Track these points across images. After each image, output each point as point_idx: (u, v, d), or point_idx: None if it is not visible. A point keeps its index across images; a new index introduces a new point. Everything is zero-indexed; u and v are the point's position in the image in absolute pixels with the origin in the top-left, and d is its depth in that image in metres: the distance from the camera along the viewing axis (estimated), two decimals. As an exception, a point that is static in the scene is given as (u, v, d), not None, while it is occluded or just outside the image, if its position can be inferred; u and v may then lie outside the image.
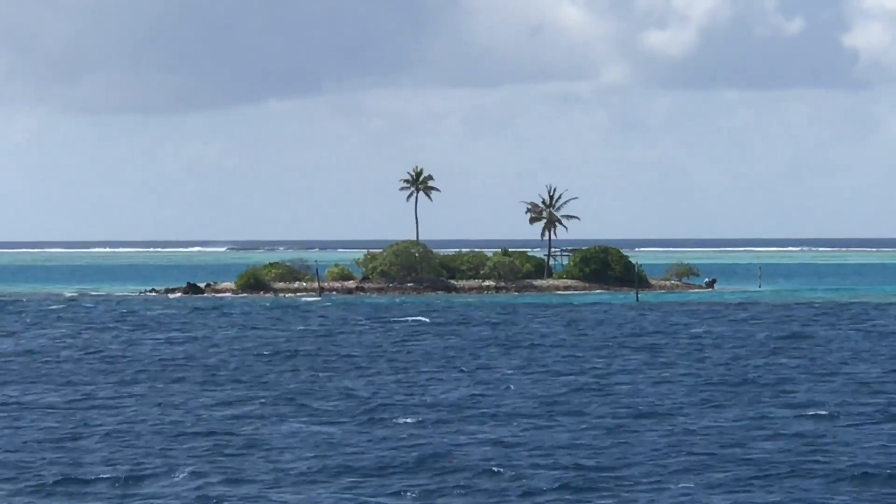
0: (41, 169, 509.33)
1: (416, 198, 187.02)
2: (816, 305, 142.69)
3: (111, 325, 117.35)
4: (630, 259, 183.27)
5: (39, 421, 57.38)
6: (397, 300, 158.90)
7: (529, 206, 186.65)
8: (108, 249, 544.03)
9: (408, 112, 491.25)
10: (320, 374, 75.37)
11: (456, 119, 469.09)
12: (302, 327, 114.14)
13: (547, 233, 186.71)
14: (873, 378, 72.62)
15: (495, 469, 45.47)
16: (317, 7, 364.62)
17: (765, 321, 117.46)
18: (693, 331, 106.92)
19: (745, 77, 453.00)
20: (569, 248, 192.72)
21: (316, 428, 55.33)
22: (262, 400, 63.61)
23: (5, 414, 58.58)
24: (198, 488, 43.52)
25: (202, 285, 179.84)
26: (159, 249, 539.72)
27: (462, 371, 77.49)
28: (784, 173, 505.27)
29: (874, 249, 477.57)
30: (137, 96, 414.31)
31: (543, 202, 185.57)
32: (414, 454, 48.24)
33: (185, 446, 50.83)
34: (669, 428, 54.98)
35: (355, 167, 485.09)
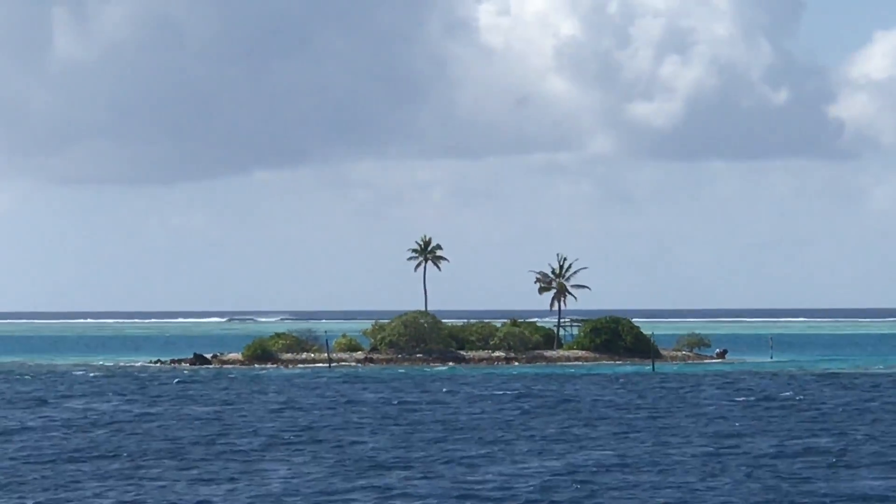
0: (25, 239, 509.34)
1: (425, 268, 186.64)
2: (840, 375, 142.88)
3: (148, 398, 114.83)
4: (641, 330, 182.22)
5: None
6: (427, 370, 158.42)
7: (539, 276, 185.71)
8: (93, 321, 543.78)
9: (394, 183, 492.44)
10: (399, 448, 73.47)
11: (442, 190, 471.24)
12: (348, 399, 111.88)
13: (556, 303, 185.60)
14: None
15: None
16: (302, 78, 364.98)
17: (807, 392, 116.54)
18: (736, 401, 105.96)
19: (731, 147, 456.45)
20: (578, 318, 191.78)
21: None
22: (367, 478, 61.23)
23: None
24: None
25: (209, 356, 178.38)
26: (153, 320, 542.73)
27: (559, 443, 75.86)
28: (770, 243, 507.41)
29: (867, 320, 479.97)
30: (122, 167, 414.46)
31: (553, 272, 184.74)
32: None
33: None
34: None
35: (342, 237, 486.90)
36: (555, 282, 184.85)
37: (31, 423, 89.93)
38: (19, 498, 56.59)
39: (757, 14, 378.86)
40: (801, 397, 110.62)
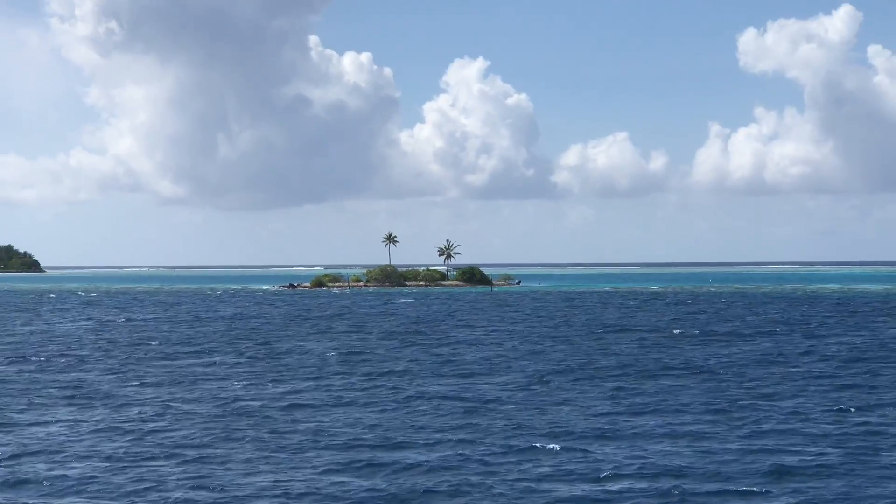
0: (206, 235, 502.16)
1: (389, 246, 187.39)
2: (568, 292, 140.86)
3: (279, 301, 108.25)
4: (483, 272, 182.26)
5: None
6: (392, 291, 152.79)
7: (439, 249, 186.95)
8: (242, 267, 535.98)
9: (364, 210, 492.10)
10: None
11: (386, 214, 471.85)
12: (369, 304, 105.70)
13: (447, 260, 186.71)
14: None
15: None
16: (325, 164, 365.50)
17: (554, 296, 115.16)
18: (535, 303, 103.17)
19: (510, 194, 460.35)
20: (456, 267, 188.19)
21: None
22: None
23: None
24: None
25: (295, 284, 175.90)
26: (266, 268, 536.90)
27: (472, 321, 70.61)
28: (525, 235, 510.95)
29: (575, 271, 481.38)
30: (250, 203, 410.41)
31: (445, 247, 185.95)
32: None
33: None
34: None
35: (344, 234, 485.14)
36: (446, 251, 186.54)
37: (221, 313, 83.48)
38: (212, 349, 50.20)
39: (519, 134, 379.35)
40: (560, 300, 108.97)
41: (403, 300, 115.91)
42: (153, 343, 52.49)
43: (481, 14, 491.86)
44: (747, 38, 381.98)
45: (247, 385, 34.56)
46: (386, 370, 38.85)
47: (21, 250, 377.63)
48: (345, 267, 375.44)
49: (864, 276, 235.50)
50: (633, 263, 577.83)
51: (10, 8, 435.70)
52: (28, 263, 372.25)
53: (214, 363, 42.30)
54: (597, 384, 33.90)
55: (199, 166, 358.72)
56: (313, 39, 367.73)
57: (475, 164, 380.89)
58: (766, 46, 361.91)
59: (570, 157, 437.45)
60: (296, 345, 51.48)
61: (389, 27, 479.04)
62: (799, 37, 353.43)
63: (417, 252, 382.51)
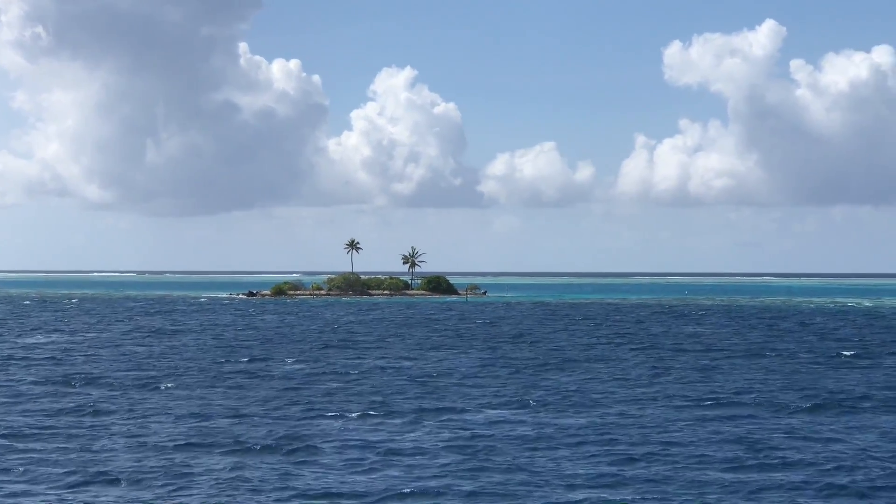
0: (132, 241, 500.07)
1: (352, 252, 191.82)
2: (535, 303, 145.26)
3: (235, 314, 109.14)
4: (449, 281, 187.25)
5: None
6: (355, 300, 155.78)
7: (403, 256, 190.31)
8: (181, 274, 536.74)
9: (294, 217, 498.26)
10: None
11: (312, 222, 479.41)
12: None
13: (411, 269, 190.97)
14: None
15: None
16: (255, 171, 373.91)
17: (525, 307, 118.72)
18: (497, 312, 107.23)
19: (435, 202, 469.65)
20: (418, 276, 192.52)
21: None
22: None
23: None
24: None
25: (255, 292, 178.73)
26: (208, 275, 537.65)
27: (440, 329, 73.86)
28: (455, 243, 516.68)
29: (517, 279, 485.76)
30: (175, 209, 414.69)
31: (410, 255, 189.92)
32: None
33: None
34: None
35: (271, 240, 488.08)
36: (410, 258, 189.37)
37: (188, 326, 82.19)
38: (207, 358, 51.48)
39: (447, 143, 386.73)
40: (517, 310, 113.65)
41: (365, 310, 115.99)
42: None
43: (409, 23, 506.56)
44: (673, 52, 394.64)
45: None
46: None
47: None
48: (278, 274, 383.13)
49: (835, 290, 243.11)
50: (560, 273, 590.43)
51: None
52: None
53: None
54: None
55: (127, 171, 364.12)
56: (242, 46, 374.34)
57: (402, 173, 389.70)
58: (691, 60, 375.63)
59: (498, 166, 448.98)
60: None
61: (318, 35, 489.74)
62: (723, 51, 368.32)
63: (345, 259, 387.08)
